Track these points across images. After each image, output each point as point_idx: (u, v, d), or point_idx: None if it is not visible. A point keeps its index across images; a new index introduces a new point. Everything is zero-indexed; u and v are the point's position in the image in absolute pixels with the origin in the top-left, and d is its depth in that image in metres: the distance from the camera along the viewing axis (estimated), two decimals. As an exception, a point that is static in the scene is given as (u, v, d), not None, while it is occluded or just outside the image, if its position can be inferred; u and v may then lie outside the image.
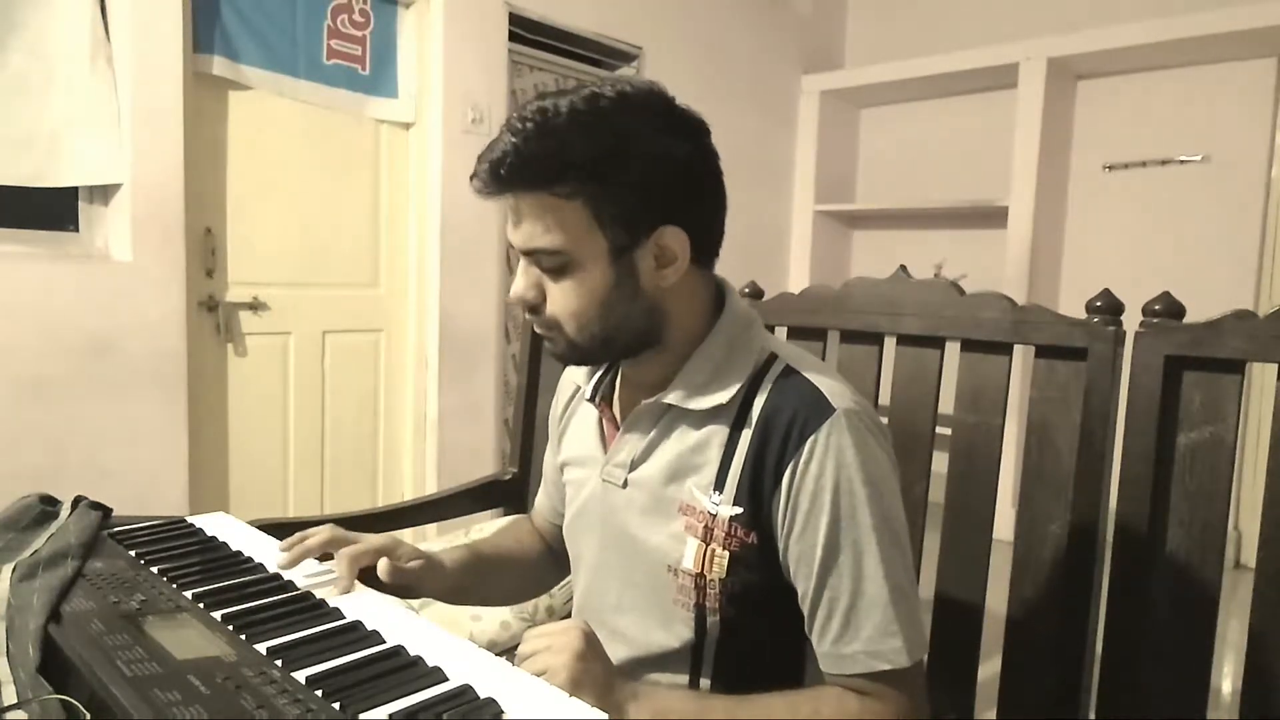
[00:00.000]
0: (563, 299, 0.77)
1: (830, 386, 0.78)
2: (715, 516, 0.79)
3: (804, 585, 0.77)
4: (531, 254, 0.76)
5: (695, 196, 0.79)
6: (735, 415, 0.80)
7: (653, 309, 0.79)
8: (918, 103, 4.05)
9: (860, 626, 0.74)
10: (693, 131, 0.78)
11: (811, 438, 0.75)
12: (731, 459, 0.79)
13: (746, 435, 0.78)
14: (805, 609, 0.78)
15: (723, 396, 0.79)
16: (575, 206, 0.73)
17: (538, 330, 0.81)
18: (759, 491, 0.77)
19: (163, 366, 2.16)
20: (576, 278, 0.75)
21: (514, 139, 0.72)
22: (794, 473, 0.75)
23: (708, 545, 0.79)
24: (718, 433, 0.80)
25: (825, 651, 0.76)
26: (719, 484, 0.79)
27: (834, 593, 0.75)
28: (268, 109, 2.41)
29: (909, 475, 1.18)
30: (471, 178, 0.75)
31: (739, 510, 0.78)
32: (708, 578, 0.79)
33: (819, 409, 0.76)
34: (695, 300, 0.82)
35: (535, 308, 0.79)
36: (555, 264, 0.75)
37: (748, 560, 0.78)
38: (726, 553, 0.78)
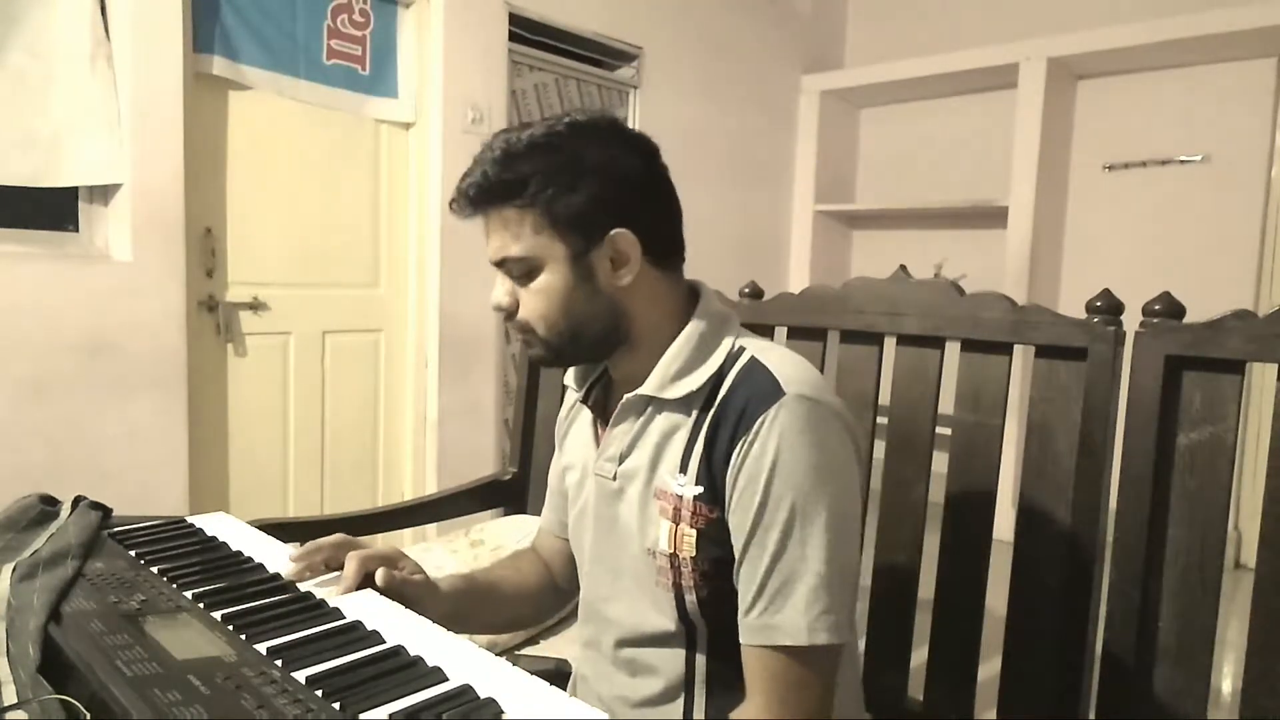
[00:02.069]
0: (531, 302, 0.85)
1: (787, 373, 0.81)
2: (682, 498, 0.83)
3: (738, 557, 0.81)
4: (502, 264, 0.85)
5: (642, 203, 0.86)
6: (702, 403, 0.85)
7: (613, 307, 0.86)
8: (918, 103, 4.05)
9: (773, 601, 0.78)
10: (639, 148, 0.86)
11: (760, 419, 0.79)
12: (695, 443, 0.84)
13: (708, 419, 0.83)
14: (736, 581, 0.81)
15: (693, 384, 0.85)
16: (534, 216, 0.82)
17: (515, 334, 0.89)
18: (713, 469, 0.82)
19: (163, 366, 2.16)
20: (541, 281, 0.84)
21: (482, 167, 0.83)
22: (741, 451, 0.80)
23: (677, 526, 0.83)
24: (686, 419, 0.85)
25: (740, 620, 0.80)
26: (683, 466, 0.84)
27: (754, 566, 0.79)
28: (268, 109, 2.41)
29: (909, 475, 1.18)
30: (450, 204, 0.86)
31: (700, 489, 0.82)
32: (680, 557, 0.83)
33: (770, 392, 0.80)
34: (661, 301, 0.88)
35: (511, 314, 0.87)
36: (522, 270, 0.84)
37: (713, 536, 0.82)
38: (694, 531, 0.82)
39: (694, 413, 0.85)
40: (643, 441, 0.88)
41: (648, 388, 0.86)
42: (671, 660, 0.87)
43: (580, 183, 0.81)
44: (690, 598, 0.84)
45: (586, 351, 0.89)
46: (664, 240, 0.88)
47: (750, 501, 0.79)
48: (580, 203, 0.81)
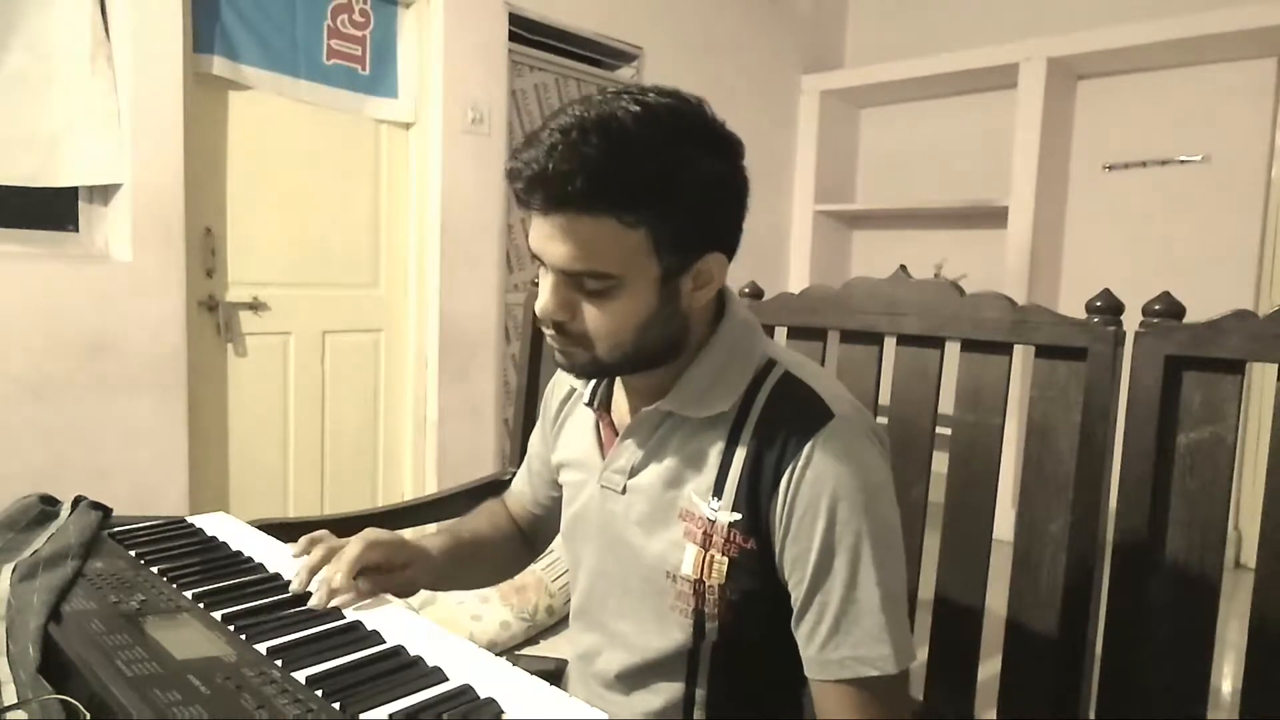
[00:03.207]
0: (601, 320, 0.74)
1: (828, 393, 0.78)
2: (714, 523, 0.78)
3: (796, 589, 0.76)
4: (575, 274, 0.72)
5: (738, 220, 0.78)
6: (733, 421, 0.79)
7: (682, 328, 0.79)
8: (918, 103, 4.05)
9: (849, 632, 0.73)
10: (734, 152, 0.76)
11: (809, 443, 0.74)
12: (730, 465, 0.78)
13: (744, 441, 0.78)
14: (795, 611, 0.77)
15: (723, 405, 0.79)
16: (638, 234, 0.70)
17: (557, 345, 0.79)
18: (757, 497, 0.77)
19: (163, 366, 2.16)
20: (621, 301, 0.73)
21: (577, 153, 0.67)
22: (791, 478, 0.75)
23: (706, 551, 0.78)
24: (716, 439, 0.80)
25: (811, 656, 0.76)
26: (717, 490, 0.78)
27: (825, 597, 0.74)
28: (268, 109, 2.41)
29: (909, 475, 1.18)
30: (514, 183, 0.70)
31: (738, 516, 0.77)
32: (706, 583, 0.79)
33: (817, 415, 0.75)
34: (705, 310, 0.82)
35: (561, 324, 0.76)
36: (601, 287, 0.72)
37: (747, 566, 0.78)
38: (725, 559, 0.78)
39: (724, 433, 0.79)
40: (659, 458, 0.82)
41: (671, 404, 0.80)
42: (671, 684, 0.84)
43: (689, 199, 0.71)
44: (711, 625, 0.80)
45: (636, 369, 0.80)
46: (734, 253, 0.80)
47: (810, 532, 0.74)
48: (686, 223, 0.72)
